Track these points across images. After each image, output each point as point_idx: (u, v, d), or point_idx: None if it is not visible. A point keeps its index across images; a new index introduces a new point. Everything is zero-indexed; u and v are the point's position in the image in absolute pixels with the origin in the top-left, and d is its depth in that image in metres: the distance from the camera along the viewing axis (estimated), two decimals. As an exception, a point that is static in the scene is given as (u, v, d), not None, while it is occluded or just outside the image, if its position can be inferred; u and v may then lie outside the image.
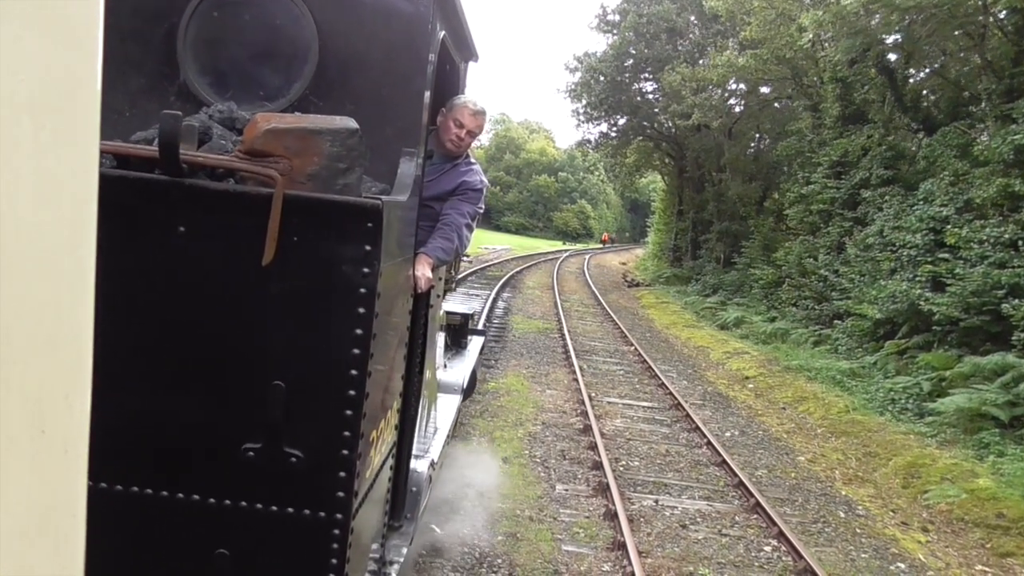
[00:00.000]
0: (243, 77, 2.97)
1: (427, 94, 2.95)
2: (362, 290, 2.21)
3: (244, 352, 2.28)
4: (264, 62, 2.98)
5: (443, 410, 4.97)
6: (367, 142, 2.49)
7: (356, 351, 2.22)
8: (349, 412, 2.25)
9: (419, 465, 3.75)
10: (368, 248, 2.20)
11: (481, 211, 3.69)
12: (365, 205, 2.21)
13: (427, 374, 3.78)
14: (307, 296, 2.24)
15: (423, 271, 3.08)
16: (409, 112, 2.94)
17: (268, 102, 2.95)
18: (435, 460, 4.15)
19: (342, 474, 2.26)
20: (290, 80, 2.95)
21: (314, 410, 2.27)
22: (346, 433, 2.25)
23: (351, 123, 2.34)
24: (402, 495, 3.40)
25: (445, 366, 5.86)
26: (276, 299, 2.23)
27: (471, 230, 3.60)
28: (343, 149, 2.30)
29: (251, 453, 2.24)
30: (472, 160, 3.73)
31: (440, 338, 5.41)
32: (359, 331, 2.22)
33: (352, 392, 2.24)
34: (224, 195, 2.22)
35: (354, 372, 2.23)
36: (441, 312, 4.91)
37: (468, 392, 6.43)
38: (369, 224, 2.20)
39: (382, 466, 2.83)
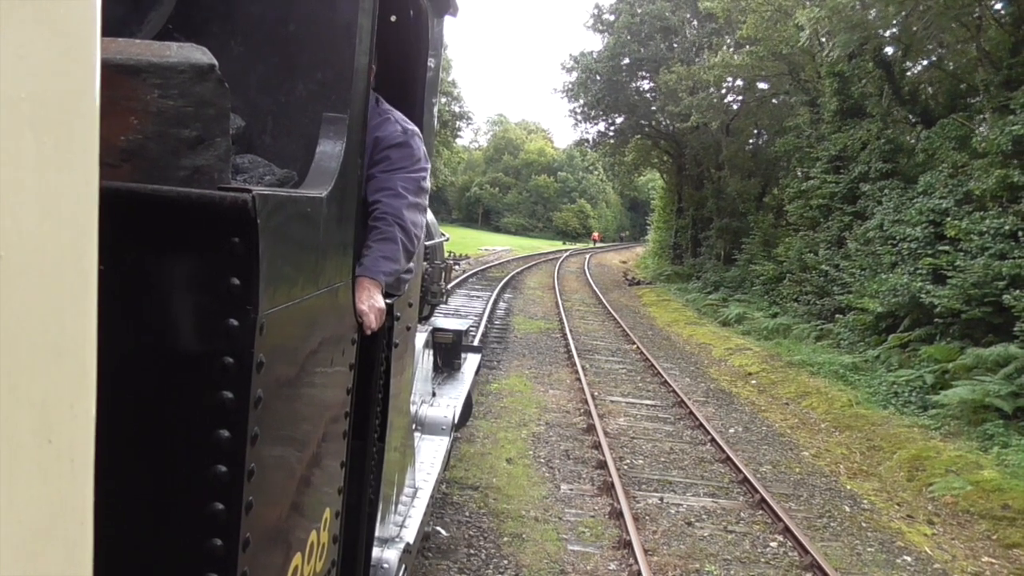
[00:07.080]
0: None
1: (365, 31, 1.96)
2: (227, 359, 1.30)
3: None
4: None
5: (425, 459, 4.07)
6: (268, 104, 1.77)
7: (221, 468, 1.31)
8: None
9: (387, 555, 2.83)
10: (236, 282, 1.30)
11: (424, 174, 2.42)
12: (222, 203, 1.29)
13: (399, 426, 2.89)
14: (118, 375, 1.20)
15: (370, 300, 2.11)
16: (334, 58, 1.96)
17: None
18: (411, 543, 3.14)
19: None
20: (141, 8, 1.97)
21: None
22: None
23: (201, 55, 1.39)
24: None
25: (434, 393, 5.04)
26: None
27: (421, 211, 2.39)
28: (188, 103, 1.34)
29: None
30: (382, 105, 2.46)
31: (428, 358, 4.67)
32: (225, 432, 1.30)
33: (219, 541, 1.32)
34: None
35: (219, 505, 1.31)
36: (424, 336, 4.10)
37: (462, 422, 5.60)
38: (235, 238, 1.29)
39: None
